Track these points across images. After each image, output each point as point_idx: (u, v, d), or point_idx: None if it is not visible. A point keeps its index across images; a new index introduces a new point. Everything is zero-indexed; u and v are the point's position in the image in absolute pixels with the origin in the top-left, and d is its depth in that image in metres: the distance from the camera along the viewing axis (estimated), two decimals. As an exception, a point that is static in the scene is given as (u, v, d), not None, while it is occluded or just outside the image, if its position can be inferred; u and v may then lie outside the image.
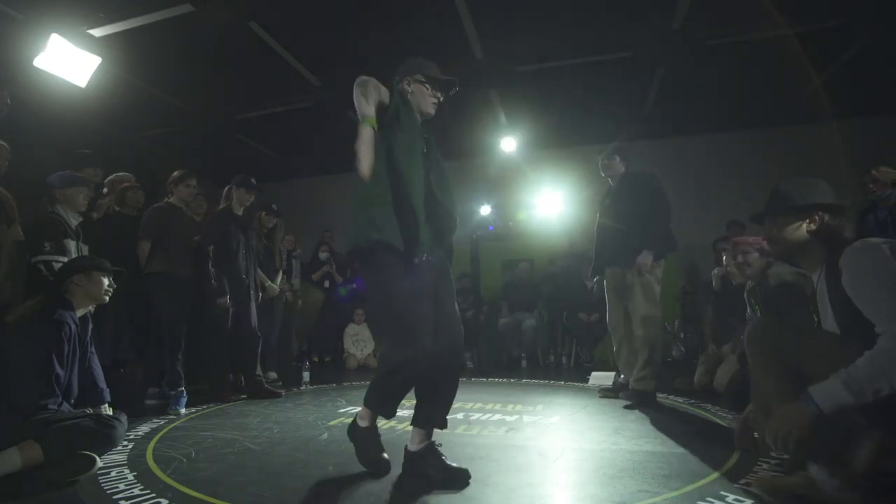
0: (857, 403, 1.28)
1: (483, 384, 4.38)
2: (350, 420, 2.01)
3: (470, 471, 1.79)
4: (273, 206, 4.76)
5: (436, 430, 1.88)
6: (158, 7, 3.80)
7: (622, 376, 3.53)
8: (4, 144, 2.96)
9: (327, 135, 6.61)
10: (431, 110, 2.00)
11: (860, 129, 5.54)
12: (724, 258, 3.07)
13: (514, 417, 2.89)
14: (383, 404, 1.89)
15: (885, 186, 3.70)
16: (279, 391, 3.80)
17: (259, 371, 3.83)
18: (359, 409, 1.97)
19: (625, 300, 3.35)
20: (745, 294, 3.07)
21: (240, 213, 3.79)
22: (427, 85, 1.99)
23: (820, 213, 1.54)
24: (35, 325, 2.00)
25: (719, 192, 6.25)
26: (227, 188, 3.81)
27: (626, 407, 3.11)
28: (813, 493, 1.40)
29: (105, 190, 3.75)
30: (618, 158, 3.45)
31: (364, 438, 1.94)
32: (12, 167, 2.97)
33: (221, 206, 3.78)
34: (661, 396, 3.52)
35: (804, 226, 1.57)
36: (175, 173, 3.67)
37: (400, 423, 2.73)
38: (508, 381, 4.51)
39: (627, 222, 3.26)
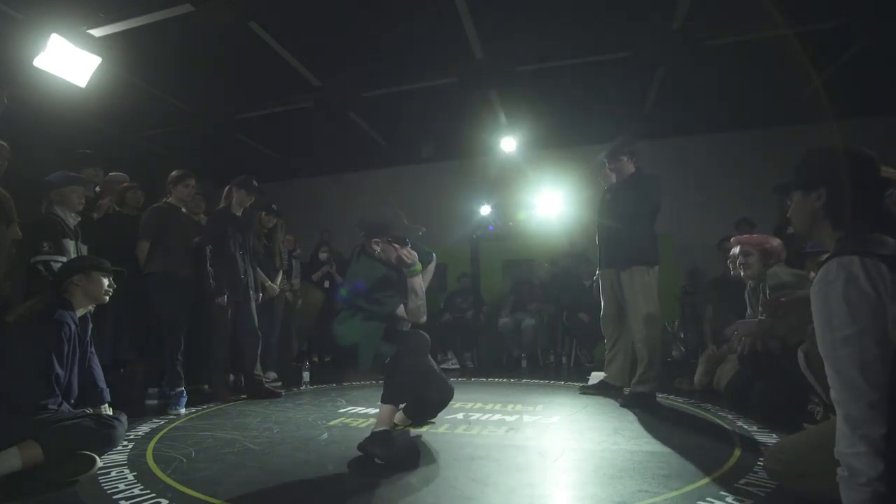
0: (872, 478, 1.21)
1: (483, 384, 4.38)
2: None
3: (470, 471, 1.80)
4: (273, 206, 4.76)
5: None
6: (158, 7, 3.80)
7: (605, 376, 3.57)
8: (4, 144, 2.96)
9: (327, 135, 6.62)
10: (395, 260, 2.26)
11: (860, 129, 5.53)
12: (731, 252, 3.09)
13: (514, 417, 2.89)
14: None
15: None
16: (279, 391, 3.80)
17: (259, 371, 3.83)
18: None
19: (620, 300, 3.36)
20: (746, 294, 3.07)
21: (238, 213, 3.78)
22: (395, 244, 2.23)
23: (823, 188, 1.42)
24: (35, 325, 2.00)
25: (719, 192, 6.25)
26: (227, 188, 3.80)
27: (624, 406, 3.10)
28: None
29: (98, 188, 3.72)
30: (625, 159, 3.40)
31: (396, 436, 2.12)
32: (12, 167, 2.97)
33: (220, 206, 3.78)
34: (661, 396, 3.52)
35: (812, 201, 1.45)
36: (174, 173, 3.67)
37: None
38: (508, 381, 4.51)
39: (626, 223, 3.26)
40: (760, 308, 2.76)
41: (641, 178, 3.37)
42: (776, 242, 2.90)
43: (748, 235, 3.15)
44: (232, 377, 3.95)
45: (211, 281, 3.48)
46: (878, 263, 1.28)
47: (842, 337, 1.28)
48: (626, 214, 3.27)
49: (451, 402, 3.16)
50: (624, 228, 3.26)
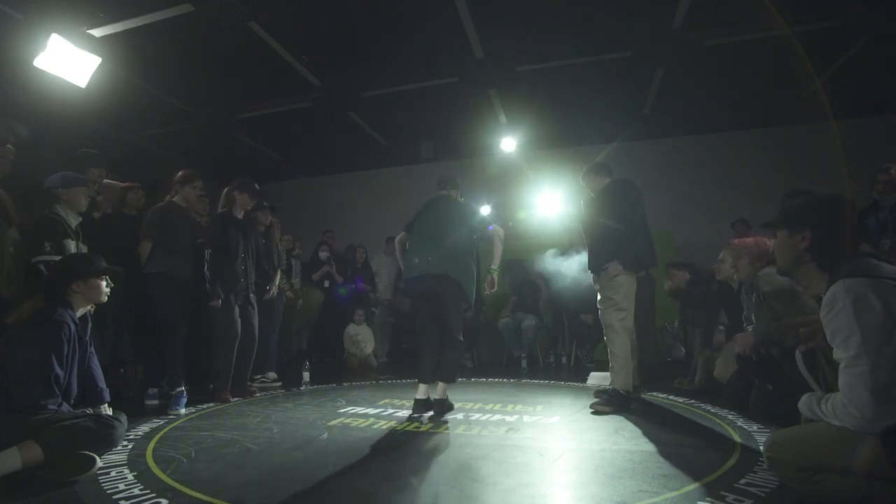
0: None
1: (483, 384, 4.38)
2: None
3: (470, 471, 1.80)
4: (265, 203, 4.66)
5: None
6: (158, 7, 3.80)
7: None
8: (10, 147, 2.96)
9: (327, 135, 6.63)
10: None
11: (860, 129, 5.54)
12: (720, 255, 3.12)
13: (514, 417, 2.89)
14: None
15: (895, 188, 3.69)
16: (253, 390, 3.82)
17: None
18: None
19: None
20: (741, 296, 3.08)
21: (240, 216, 3.77)
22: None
23: (808, 231, 1.49)
24: (35, 326, 2.00)
25: (719, 192, 6.25)
26: (226, 190, 3.78)
27: (594, 404, 3.04)
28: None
29: (96, 188, 3.70)
30: (597, 175, 3.40)
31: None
32: (12, 167, 2.98)
33: (221, 209, 3.75)
34: (661, 396, 3.53)
35: (796, 242, 1.51)
36: (181, 173, 3.62)
37: (400, 423, 2.76)
38: (508, 381, 4.51)
39: (600, 230, 3.22)
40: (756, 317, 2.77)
41: (617, 187, 3.31)
42: (767, 245, 2.91)
43: (742, 240, 3.15)
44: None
45: (206, 284, 3.47)
46: (885, 283, 1.32)
47: (854, 355, 1.31)
48: (601, 223, 3.23)
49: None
50: (599, 234, 3.23)
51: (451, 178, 3.44)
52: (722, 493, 1.62)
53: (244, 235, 3.75)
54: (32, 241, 2.85)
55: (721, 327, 4.05)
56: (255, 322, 3.79)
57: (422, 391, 3.01)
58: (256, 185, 3.79)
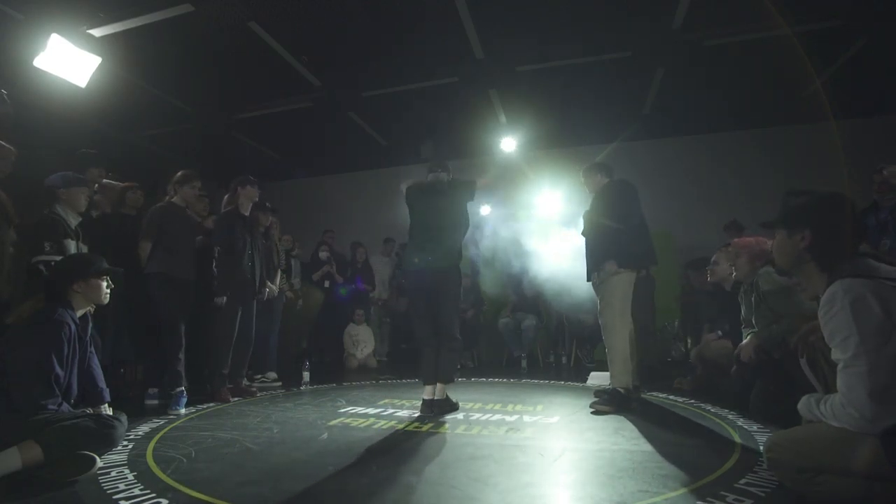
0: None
1: (483, 384, 4.38)
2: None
3: (470, 471, 1.80)
4: (267, 203, 4.70)
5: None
6: (158, 7, 3.80)
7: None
8: (11, 147, 2.96)
9: (327, 135, 6.63)
10: None
11: (860, 129, 5.54)
12: (713, 258, 3.13)
13: (514, 417, 2.89)
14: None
15: (890, 188, 3.69)
16: (253, 390, 3.83)
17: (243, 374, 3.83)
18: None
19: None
20: (740, 295, 3.08)
21: (247, 212, 3.79)
22: None
23: (808, 230, 1.48)
24: (35, 326, 2.00)
25: (719, 192, 6.25)
26: (229, 192, 3.80)
27: (594, 403, 3.04)
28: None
29: (95, 187, 3.69)
30: (597, 174, 3.41)
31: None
32: (12, 167, 2.98)
33: (228, 208, 3.76)
34: (661, 396, 3.53)
35: (796, 242, 1.50)
36: (179, 173, 3.63)
37: (400, 423, 2.76)
38: (508, 381, 4.51)
39: (600, 230, 3.21)
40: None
41: (614, 188, 3.31)
42: (767, 245, 2.91)
43: (742, 239, 3.15)
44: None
45: (214, 281, 3.48)
46: (884, 283, 1.31)
47: (852, 355, 1.31)
48: (598, 223, 3.22)
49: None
50: (597, 235, 3.23)
51: (440, 161, 3.32)
52: (722, 493, 1.62)
53: (250, 233, 3.77)
54: (32, 241, 2.85)
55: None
56: (253, 324, 3.80)
57: (428, 392, 3.04)
58: (251, 178, 3.83)
